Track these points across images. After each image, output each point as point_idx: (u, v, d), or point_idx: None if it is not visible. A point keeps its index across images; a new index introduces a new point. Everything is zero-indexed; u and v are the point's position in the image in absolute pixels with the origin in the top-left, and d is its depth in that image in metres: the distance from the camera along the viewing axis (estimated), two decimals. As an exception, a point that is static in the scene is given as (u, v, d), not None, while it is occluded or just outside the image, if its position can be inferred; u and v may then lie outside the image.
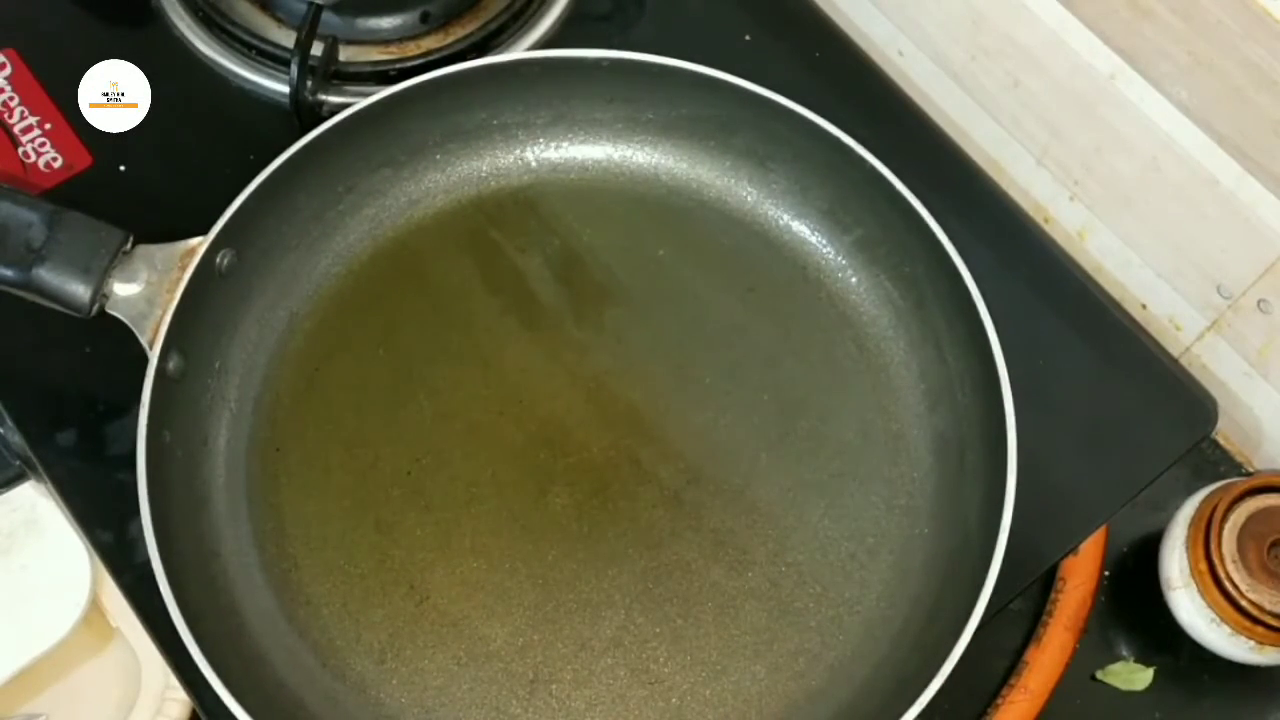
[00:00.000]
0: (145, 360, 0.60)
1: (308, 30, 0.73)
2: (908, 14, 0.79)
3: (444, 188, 0.71)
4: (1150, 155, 0.68)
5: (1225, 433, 0.72)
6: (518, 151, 0.72)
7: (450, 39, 0.77)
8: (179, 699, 0.80)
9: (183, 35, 0.77)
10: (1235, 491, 0.62)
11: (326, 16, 0.74)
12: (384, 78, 0.73)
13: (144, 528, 0.56)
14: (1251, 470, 0.72)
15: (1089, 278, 0.73)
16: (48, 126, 0.74)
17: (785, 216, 0.71)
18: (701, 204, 0.71)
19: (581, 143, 0.72)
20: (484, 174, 0.72)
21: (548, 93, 0.70)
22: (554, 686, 0.59)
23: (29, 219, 0.61)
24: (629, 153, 0.72)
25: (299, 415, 0.65)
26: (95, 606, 0.79)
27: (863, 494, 0.64)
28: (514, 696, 0.59)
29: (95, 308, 0.61)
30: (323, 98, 0.72)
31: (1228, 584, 0.60)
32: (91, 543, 0.66)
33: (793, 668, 0.61)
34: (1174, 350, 0.73)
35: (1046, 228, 0.77)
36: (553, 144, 0.72)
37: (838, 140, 0.66)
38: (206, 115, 0.76)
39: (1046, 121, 0.74)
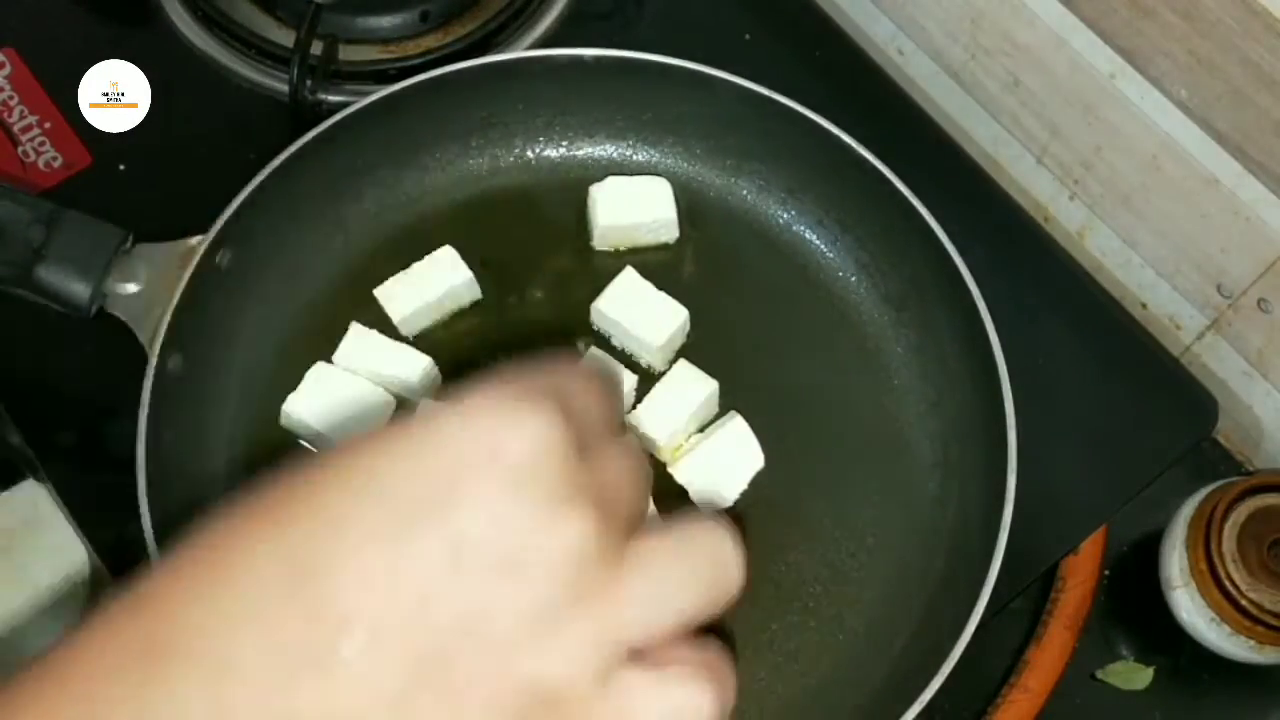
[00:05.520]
0: (145, 360, 0.60)
1: (307, 29, 0.73)
2: (908, 13, 0.79)
3: (443, 187, 0.71)
4: (1150, 154, 0.68)
5: (1225, 432, 0.72)
6: (517, 150, 0.72)
7: (450, 38, 0.77)
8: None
9: (183, 35, 0.77)
10: (1235, 491, 0.62)
11: (326, 15, 0.74)
12: (384, 77, 0.73)
13: (144, 528, 0.56)
14: (1251, 470, 0.72)
15: (1089, 277, 0.73)
16: (47, 126, 0.74)
17: (785, 216, 0.71)
18: (701, 203, 0.71)
19: (581, 142, 0.72)
20: (484, 173, 0.72)
21: (547, 92, 0.70)
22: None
23: (28, 218, 0.61)
24: (629, 152, 0.72)
25: (299, 415, 0.65)
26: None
27: (863, 494, 0.64)
28: (514, 696, 0.59)
29: (95, 307, 0.61)
30: (322, 97, 0.72)
31: (1228, 583, 0.60)
32: (91, 543, 0.66)
33: (792, 668, 0.61)
34: (1174, 350, 0.73)
35: (1046, 227, 0.76)
36: (552, 143, 0.72)
37: (838, 140, 0.66)
38: (206, 115, 0.76)
39: (1046, 120, 0.74)
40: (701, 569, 0.33)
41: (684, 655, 0.33)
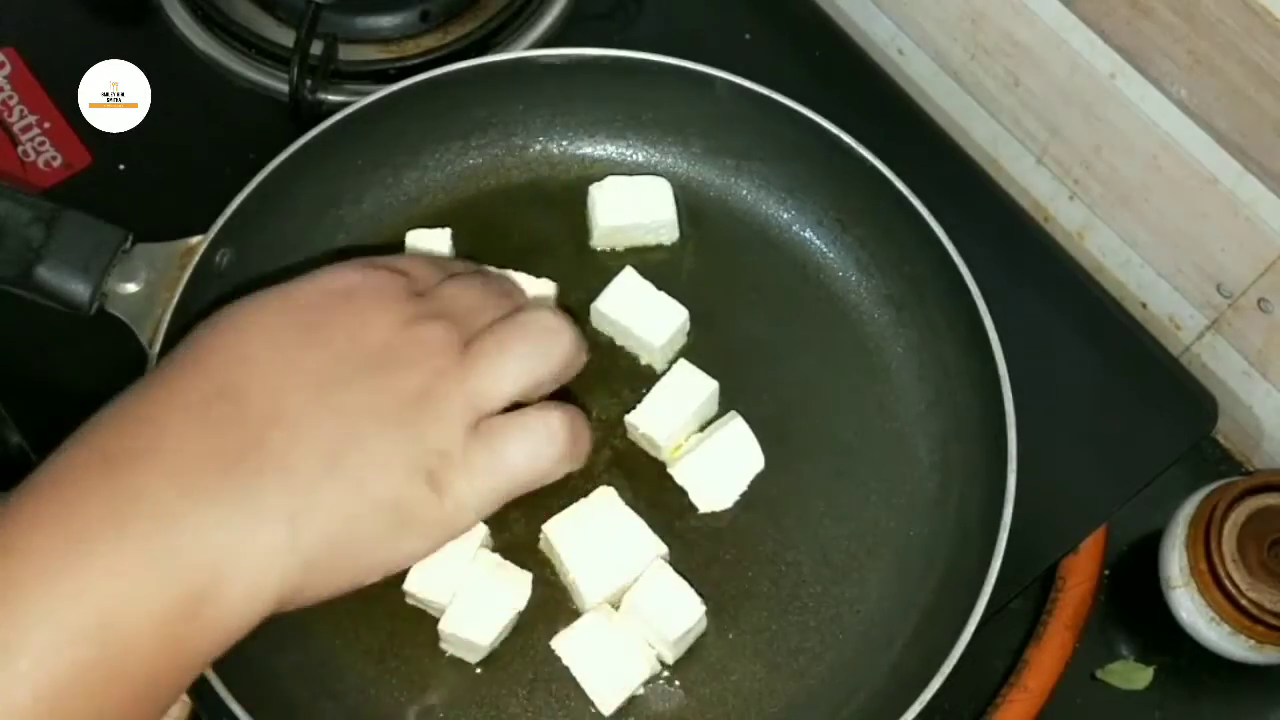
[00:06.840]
0: (145, 359, 0.60)
1: (307, 29, 0.73)
2: (908, 12, 0.79)
3: (444, 186, 0.71)
4: (1150, 154, 0.68)
5: (1225, 432, 0.72)
6: (517, 150, 0.72)
7: (450, 38, 0.77)
8: (179, 699, 0.80)
9: (183, 35, 0.77)
10: (1235, 491, 0.62)
11: (326, 15, 0.74)
12: (384, 76, 0.73)
13: (144, 527, 0.56)
14: (1251, 470, 0.72)
15: (1089, 277, 0.73)
16: (47, 125, 0.74)
17: (785, 216, 0.71)
18: (701, 203, 0.71)
19: (581, 142, 0.72)
20: (484, 173, 0.72)
21: (547, 91, 0.70)
22: (554, 686, 0.59)
23: (28, 218, 0.61)
24: (628, 152, 0.72)
25: (299, 415, 0.65)
26: (95, 606, 0.79)
27: (863, 494, 0.64)
28: (514, 696, 0.59)
29: (95, 307, 0.61)
30: (322, 97, 0.72)
31: (1227, 583, 0.60)
32: (91, 542, 0.65)
33: (792, 667, 0.61)
34: (1174, 349, 0.73)
35: (1046, 226, 0.77)
36: (552, 143, 0.72)
37: (838, 139, 0.66)
38: (206, 115, 0.76)
39: (1046, 120, 0.74)
40: (535, 342, 0.50)
41: (537, 405, 0.49)
